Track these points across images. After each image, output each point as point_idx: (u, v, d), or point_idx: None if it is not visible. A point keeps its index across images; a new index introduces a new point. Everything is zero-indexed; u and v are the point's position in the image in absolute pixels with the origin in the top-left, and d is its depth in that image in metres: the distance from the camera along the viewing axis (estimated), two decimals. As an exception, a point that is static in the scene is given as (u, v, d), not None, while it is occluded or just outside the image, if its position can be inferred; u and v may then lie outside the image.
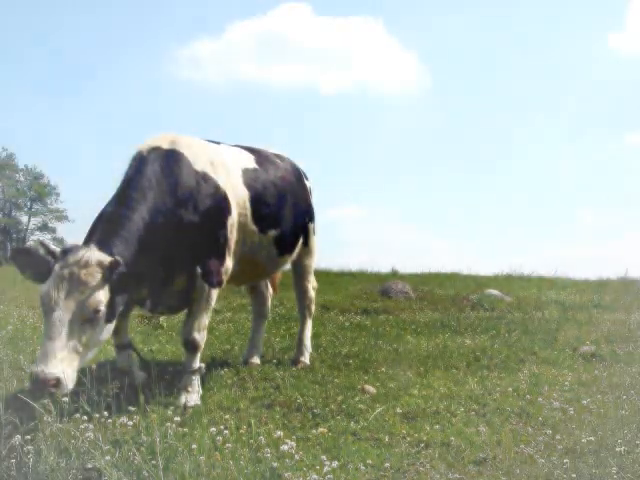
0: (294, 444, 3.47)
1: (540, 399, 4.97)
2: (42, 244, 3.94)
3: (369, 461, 3.56)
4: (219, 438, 3.42)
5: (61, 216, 55.28)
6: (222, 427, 3.67)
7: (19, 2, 78.99)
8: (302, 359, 6.25)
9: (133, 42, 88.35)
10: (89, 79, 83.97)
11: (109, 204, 4.30)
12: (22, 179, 55.31)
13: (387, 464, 3.51)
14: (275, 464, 3.20)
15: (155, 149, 4.59)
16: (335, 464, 3.34)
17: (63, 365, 3.52)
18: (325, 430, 4.03)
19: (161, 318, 8.64)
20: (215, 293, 4.75)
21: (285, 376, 5.46)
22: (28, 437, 3.29)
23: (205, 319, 4.73)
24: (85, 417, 3.48)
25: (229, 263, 4.87)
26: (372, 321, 9.46)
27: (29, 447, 3.20)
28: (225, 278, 4.84)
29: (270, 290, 6.67)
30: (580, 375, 6.04)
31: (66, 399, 3.48)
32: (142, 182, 4.35)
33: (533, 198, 61.09)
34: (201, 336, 4.69)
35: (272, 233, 5.44)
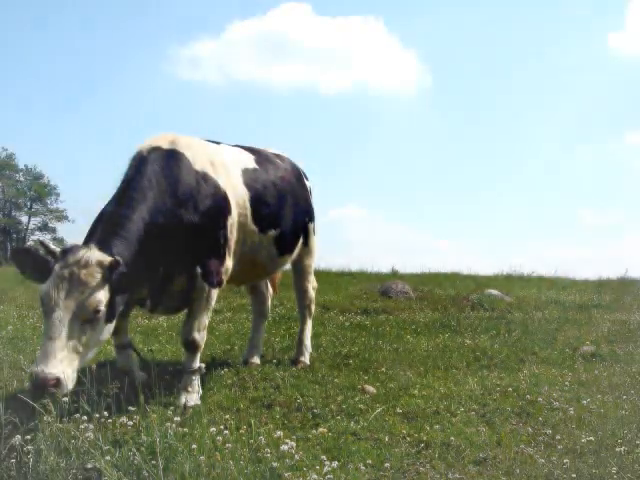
0: (294, 444, 3.47)
1: (540, 399, 4.97)
2: (42, 244, 3.94)
3: (369, 461, 3.56)
4: (219, 438, 3.42)
5: (61, 216, 55.34)
6: (222, 427, 3.67)
7: (20, 1, 79.00)
8: (302, 359, 6.25)
9: (133, 42, 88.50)
10: (89, 79, 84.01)
11: (109, 204, 4.30)
12: (22, 179, 55.40)
13: (387, 464, 3.51)
14: (275, 464, 3.20)
15: (155, 149, 4.59)
16: (335, 464, 3.34)
17: (63, 365, 3.52)
18: (325, 430, 4.02)
19: (161, 318, 8.65)
20: (215, 293, 4.75)
21: (285, 376, 5.46)
22: (28, 437, 3.29)
23: (205, 319, 4.73)
24: (85, 417, 3.48)
25: (229, 263, 4.87)
26: (372, 321, 9.45)
27: (29, 447, 3.20)
28: (225, 278, 4.83)
29: (270, 290, 6.67)
30: (580, 375, 6.05)
31: (66, 399, 3.48)
32: (142, 182, 4.34)
33: (533, 198, 61.19)
34: (201, 336, 4.69)
35: (272, 233, 5.43)
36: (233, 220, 4.87)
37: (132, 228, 4.09)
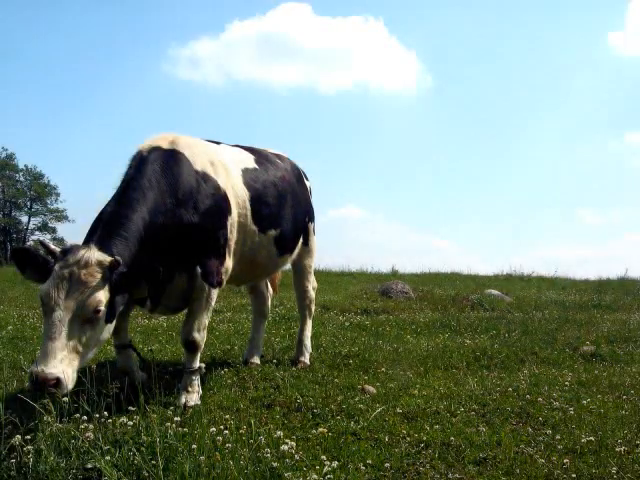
0: (294, 444, 3.48)
1: (540, 399, 4.97)
2: (42, 244, 3.94)
3: (369, 461, 3.55)
4: (219, 438, 3.42)
5: (61, 216, 55.26)
6: (222, 427, 3.67)
7: (19, 1, 79.04)
8: (302, 359, 6.25)
9: (133, 42, 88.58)
10: (89, 79, 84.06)
11: (109, 204, 4.30)
12: (22, 179, 55.33)
13: (387, 464, 3.51)
14: (275, 464, 3.21)
15: (155, 149, 4.59)
16: (335, 464, 3.34)
17: (63, 365, 3.51)
18: (325, 430, 4.02)
19: (161, 318, 8.65)
20: (215, 293, 4.75)
21: (285, 376, 5.46)
22: (28, 437, 3.29)
23: (205, 319, 4.72)
24: (85, 417, 3.48)
25: (229, 263, 4.87)
26: (372, 321, 9.45)
27: (29, 447, 3.20)
28: (225, 278, 4.84)
29: (270, 290, 6.67)
30: (580, 375, 6.05)
31: (66, 399, 3.48)
32: (142, 182, 4.34)
33: (533, 198, 61.27)
34: (201, 336, 4.69)
35: (272, 233, 5.43)
36: (233, 220, 4.87)
37: (132, 228, 4.08)
